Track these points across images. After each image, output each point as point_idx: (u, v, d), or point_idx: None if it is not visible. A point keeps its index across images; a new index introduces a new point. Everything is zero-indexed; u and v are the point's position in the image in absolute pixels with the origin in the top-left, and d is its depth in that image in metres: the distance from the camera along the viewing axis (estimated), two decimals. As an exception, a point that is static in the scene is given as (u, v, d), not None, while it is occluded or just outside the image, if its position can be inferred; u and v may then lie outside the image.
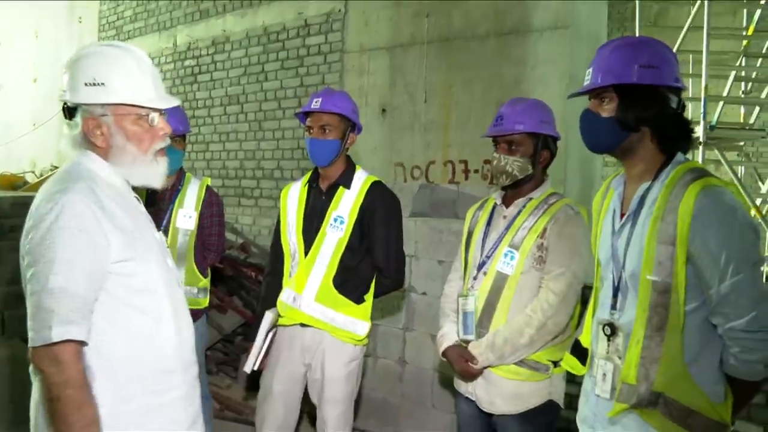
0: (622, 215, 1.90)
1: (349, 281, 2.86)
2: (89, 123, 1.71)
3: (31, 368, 1.68)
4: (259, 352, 2.89)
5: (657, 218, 1.73)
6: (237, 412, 4.64)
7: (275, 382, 2.91)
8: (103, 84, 1.68)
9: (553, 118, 2.58)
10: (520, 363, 2.44)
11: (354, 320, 2.85)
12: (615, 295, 1.86)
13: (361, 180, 2.93)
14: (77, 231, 1.58)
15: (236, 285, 5.60)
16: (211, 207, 3.54)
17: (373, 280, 2.95)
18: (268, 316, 2.89)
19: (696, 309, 1.71)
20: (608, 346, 1.85)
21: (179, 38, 7.04)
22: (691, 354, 1.71)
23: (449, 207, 4.23)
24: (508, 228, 2.53)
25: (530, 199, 2.55)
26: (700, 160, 6.16)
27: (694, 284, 1.70)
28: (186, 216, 3.43)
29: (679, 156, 1.83)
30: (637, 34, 7.09)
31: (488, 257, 2.53)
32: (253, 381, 3.48)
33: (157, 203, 3.34)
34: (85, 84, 1.69)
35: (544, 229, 2.45)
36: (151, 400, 1.71)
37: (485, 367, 2.46)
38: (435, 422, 4.04)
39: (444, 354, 2.62)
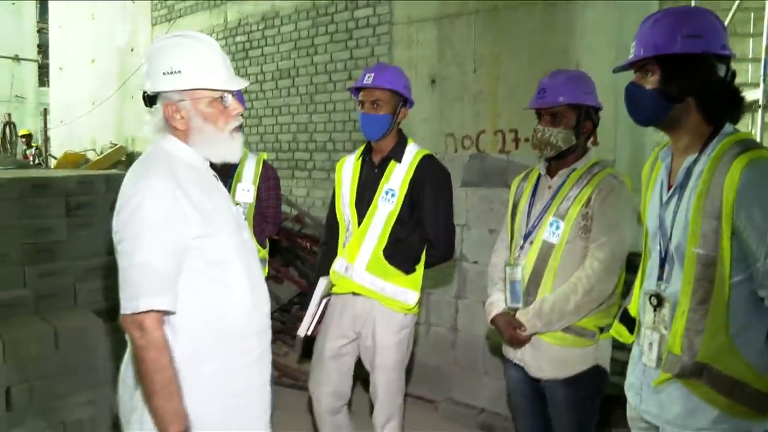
0: (669, 187, 1.89)
1: (399, 253, 2.92)
2: (169, 108, 1.86)
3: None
4: (313, 318, 2.99)
5: (702, 192, 1.72)
6: (294, 378, 4.80)
7: (327, 348, 3.01)
8: (179, 72, 1.83)
9: (594, 89, 2.58)
10: (567, 329, 2.48)
11: (404, 290, 2.92)
12: (662, 266, 1.87)
13: (412, 153, 2.97)
14: (159, 212, 1.75)
15: (292, 256, 5.74)
16: (268, 180, 3.65)
17: (424, 251, 3.00)
18: (322, 283, 2.98)
19: (741, 282, 1.71)
20: (655, 316, 1.86)
21: (230, 14, 7.15)
22: (736, 326, 1.71)
23: (500, 176, 4.25)
24: (553, 198, 2.56)
25: (574, 169, 2.57)
26: (759, 124, 5.99)
27: (739, 257, 1.69)
28: (244, 190, 3.56)
29: (728, 127, 1.80)
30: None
31: (534, 227, 2.57)
32: (309, 349, 3.59)
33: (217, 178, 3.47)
34: (163, 73, 1.84)
35: (589, 199, 2.47)
36: (228, 362, 1.88)
37: (533, 334, 2.52)
38: (486, 388, 4.12)
39: (492, 322, 2.68)
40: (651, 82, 1.81)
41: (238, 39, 7.05)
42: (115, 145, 9.57)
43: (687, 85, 1.77)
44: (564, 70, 2.68)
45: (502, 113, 4.51)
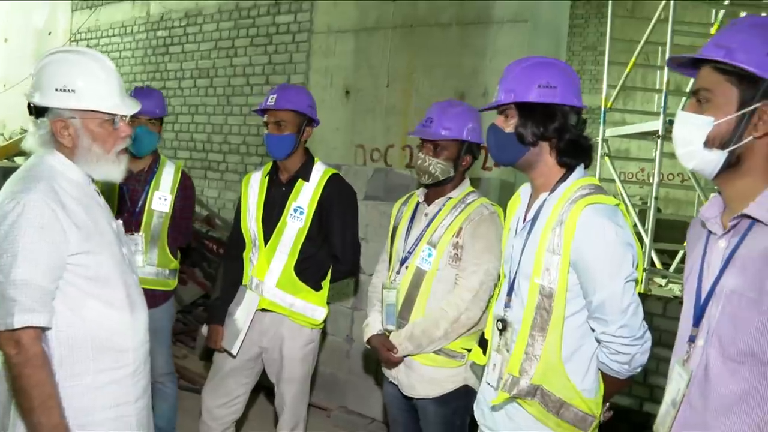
0: (525, 221, 2.03)
1: (308, 269, 2.98)
2: (57, 125, 1.86)
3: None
4: (246, 334, 2.96)
5: (548, 229, 1.88)
6: (192, 381, 4.75)
7: (228, 361, 3.03)
8: (73, 91, 1.84)
9: (480, 125, 2.65)
10: (438, 351, 2.58)
11: (313, 306, 2.98)
12: (509, 294, 2.01)
13: (319, 172, 3.02)
14: (37, 227, 1.75)
15: (198, 257, 5.69)
16: (186, 191, 3.55)
17: (330, 268, 3.05)
18: (254, 299, 2.96)
19: (575, 313, 1.88)
20: (500, 339, 2.01)
21: (153, 8, 7.03)
22: (567, 352, 1.88)
23: (403, 191, 4.30)
24: (428, 225, 2.65)
25: (449, 198, 2.67)
26: (657, 153, 6.31)
27: (574, 291, 1.86)
28: (161, 198, 3.44)
29: (578, 171, 1.96)
30: (608, 26, 7.21)
31: (410, 253, 2.67)
32: (210, 352, 3.54)
33: (133, 184, 3.38)
34: (56, 89, 1.84)
35: (460, 229, 2.57)
36: (104, 376, 1.90)
37: (405, 356, 2.61)
38: (378, 399, 4.18)
39: (368, 342, 2.77)
40: (509, 125, 1.95)
41: (159, 34, 6.94)
42: (26, 131, 9.21)
43: (541, 131, 1.91)
44: (454, 103, 2.75)
45: (411, 128, 4.58)
